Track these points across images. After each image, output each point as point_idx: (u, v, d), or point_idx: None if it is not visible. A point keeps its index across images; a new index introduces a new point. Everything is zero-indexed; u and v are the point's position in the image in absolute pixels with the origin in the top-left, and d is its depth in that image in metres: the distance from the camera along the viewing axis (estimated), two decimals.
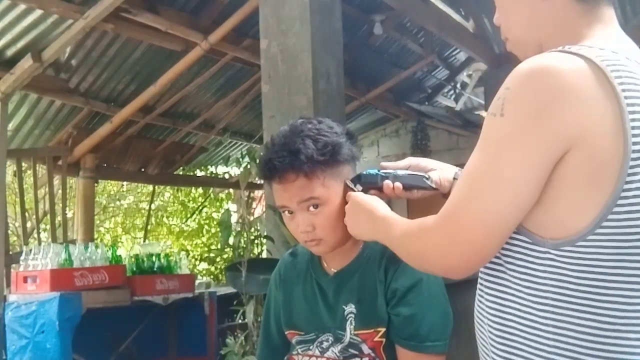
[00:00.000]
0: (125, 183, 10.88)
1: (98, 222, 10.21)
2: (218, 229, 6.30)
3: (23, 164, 5.86)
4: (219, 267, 9.43)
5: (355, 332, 1.49)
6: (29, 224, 6.95)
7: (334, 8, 3.54)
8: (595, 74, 0.95)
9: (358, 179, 1.44)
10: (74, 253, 4.08)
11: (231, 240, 3.28)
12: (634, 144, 0.93)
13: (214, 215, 10.89)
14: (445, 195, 1.40)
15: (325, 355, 1.52)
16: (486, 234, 0.98)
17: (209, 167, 9.04)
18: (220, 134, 7.29)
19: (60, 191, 6.09)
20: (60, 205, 6.08)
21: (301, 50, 3.29)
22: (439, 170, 1.44)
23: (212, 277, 9.19)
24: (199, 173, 8.69)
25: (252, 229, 3.30)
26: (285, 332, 1.64)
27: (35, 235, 5.92)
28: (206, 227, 11.01)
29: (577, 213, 0.95)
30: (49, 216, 5.86)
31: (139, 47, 5.51)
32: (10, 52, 4.88)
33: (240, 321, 3.25)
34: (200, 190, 10.65)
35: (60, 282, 3.88)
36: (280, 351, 1.67)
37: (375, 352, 1.48)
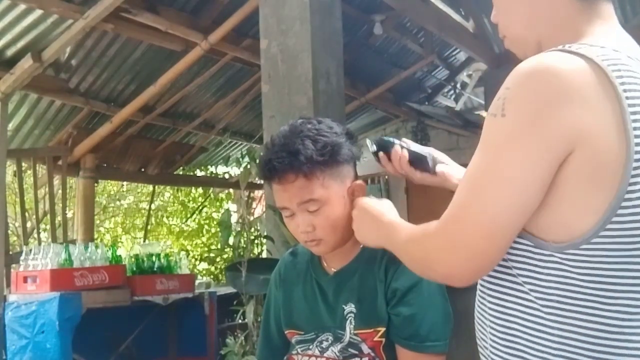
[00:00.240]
0: (125, 183, 10.88)
1: (98, 222, 10.21)
2: (218, 229, 6.30)
3: (23, 164, 5.86)
4: (219, 267, 9.43)
5: (355, 332, 1.49)
6: (29, 224, 6.95)
7: (334, 8, 3.54)
8: (596, 73, 0.93)
9: (376, 140, 1.48)
10: (74, 253, 4.08)
11: (231, 240, 3.28)
12: (637, 144, 0.91)
13: (214, 215, 10.89)
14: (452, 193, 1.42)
15: (325, 354, 1.52)
16: (488, 238, 0.95)
17: (209, 167, 9.04)
18: (220, 134, 7.29)
19: (60, 191, 6.09)
20: (60, 205, 6.08)
21: (301, 50, 3.29)
22: (450, 167, 1.45)
23: (212, 277, 9.19)
24: (199, 173, 8.69)
25: (252, 229, 3.30)
26: (285, 332, 1.64)
27: (35, 235, 5.92)
28: (206, 227, 11.01)
29: (581, 215, 0.93)
30: (49, 216, 5.86)
31: (139, 47, 5.51)
32: (10, 52, 4.88)
33: (240, 321, 3.25)
34: (200, 190, 10.65)
35: (60, 282, 3.88)
36: (280, 351, 1.67)
37: (374, 351, 1.48)
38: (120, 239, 11.64)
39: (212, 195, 10.60)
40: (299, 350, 1.58)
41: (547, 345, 0.97)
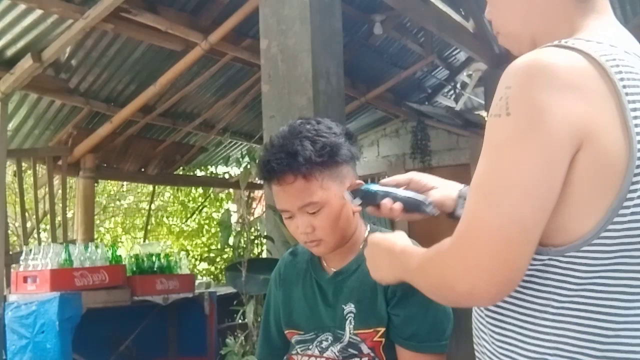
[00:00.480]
0: (125, 183, 10.88)
1: (98, 222, 10.21)
2: (218, 229, 6.30)
3: (23, 164, 5.86)
4: (219, 267, 9.43)
5: (355, 332, 1.49)
6: (29, 224, 6.94)
7: (334, 8, 3.54)
8: (595, 69, 0.90)
9: (357, 193, 1.37)
10: (74, 253, 4.08)
11: (231, 240, 3.28)
12: (639, 142, 0.89)
13: (214, 215, 10.89)
14: (450, 215, 1.35)
15: (325, 354, 1.52)
16: (510, 244, 0.88)
17: (209, 167, 9.04)
18: (220, 134, 7.29)
19: (60, 191, 6.09)
20: (60, 205, 6.09)
21: (301, 50, 3.29)
22: (441, 189, 1.37)
23: (212, 277, 9.19)
24: (199, 173, 8.68)
25: (252, 229, 3.30)
26: (285, 332, 1.64)
27: (35, 235, 5.91)
28: (206, 227, 11.02)
29: (581, 218, 0.90)
30: (49, 216, 5.86)
31: (139, 47, 5.51)
32: (10, 52, 4.88)
33: (240, 321, 3.25)
34: (200, 190, 10.65)
35: (60, 282, 3.88)
36: (280, 351, 1.67)
37: (374, 351, 1.48)
38: (120, 239, 11.64)
39: (212, 195, 10.60)
40: (298, 350, 1.58)
41: (542, 352, 0.95)
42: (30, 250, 4.11)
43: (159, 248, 5.08)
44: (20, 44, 4.78)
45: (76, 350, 3.92)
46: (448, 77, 8.67)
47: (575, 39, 0.96)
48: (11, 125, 5.64)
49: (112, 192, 11.63)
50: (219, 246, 8.27)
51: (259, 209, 8.01)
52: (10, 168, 6.54)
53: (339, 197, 1.46)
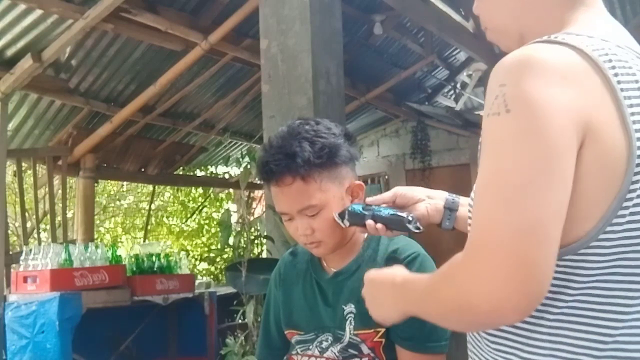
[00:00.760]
0: (125, 183, 10.88)
1: (98, 222, 10.21)
2: (218, 229, 6.30)
3: (23, 164, 5.86)
4: (219, 267, 9.43)
5: (355, 332, 1.49)
6: (29, 224, 6.95)
7: (334, 8, 3.54)
8: (588, 63, 0.87)
9: (344, 215, 1.40)
10: (74, 253, 4.08)
11: (231, 240, 3.28)
12: (638, 139, 0.86)
13: (214, 215, 10.89)
14: (439, 226, 1.34)
15: (325, 355, 1.52)
16: (534, 246, 0.80)
17: (209, 167, 9.04)
18: (220, 134, 7.29)
19: (60, 191, 6.09)
20: (60, 205, 6.09)
21: (301, 50, 3.29)
22: (427, 201, 1.35)
23: (212, 277, 9.19)
24: (199, 173, 8.69)
25: (252, 229, 3.31)
26: (285, 332, 1.64)
27: (35, 235, 5.91)
28: (206, 227, 11.02)
29: (583, 218, 0.86)
30: (49, 216, 5.86)
31: (139, 47, 5.51)
32: (10, 52, 4.88)
33: (240, 321, 3.25)
34: (200, 190, 10.65)
35: (60, 282, 3.88)
36: (280, 351, 1.67)
37: (374, 352, 1.48)
38: (120, 239, 11.64)
39: (212, 195, 10.60)
40: (298, 350, 1.58)
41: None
42: (30, 250, 4.11)
43: (159, 248, 5.08)
44: (20, 44, 4.78)
45: (76, 350, 3.92)
46: (448, 77, 8.67)
47: (565, 33, 0.92)
48: (11, 125, 5.64)
49: (112, 192, 11.63)
50: (219, 246, 8.27)
51: (259, 209, 8.00)
52: (10, 168, 6.54)
53: (338, 198, 1.46)
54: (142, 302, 4.44)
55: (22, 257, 4.12)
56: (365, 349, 1.48)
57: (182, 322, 5.04)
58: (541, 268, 0.80)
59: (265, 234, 3.30)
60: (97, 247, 4.34)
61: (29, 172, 6.27)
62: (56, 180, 6.00)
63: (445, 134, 8.40)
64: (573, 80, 0.85)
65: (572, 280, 0.88)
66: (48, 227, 6.18)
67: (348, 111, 6.90)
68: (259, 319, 2.27)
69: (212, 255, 9.68)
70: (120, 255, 4.61)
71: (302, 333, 1.58)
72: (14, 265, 4.59)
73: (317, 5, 3.35)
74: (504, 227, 0.81)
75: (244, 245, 3.24)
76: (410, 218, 1.31)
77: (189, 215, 10.96)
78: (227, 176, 9.30)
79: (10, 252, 5.29)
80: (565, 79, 0.85)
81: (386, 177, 8.69)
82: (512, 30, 1.04)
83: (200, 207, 10.78)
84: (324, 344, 1.53)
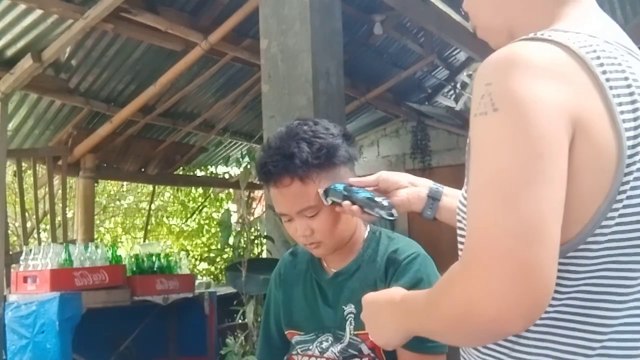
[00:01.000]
0: (125, 183, 10.88)
1: (98, 222, 10.21)
2: (218, 229, 6.30)
3: (23, 164, 5.86)
4: (219, 267, 9.43)
5: (355, 333, 1.49)
6: (29, 224, 6.95)
7: (334, 8, 3.55)
8: (575, 60, 0.84)
9: (327, 192, 1.39)
10: (74, 253, 4.08)
11: (231, 240, 3.29)
12: (628, 138, 0.82)
13: (214, 215, 10.89)
14: (420, 214, 1.33)
15: (325, 355, 1.52)
16: (536, 247, 0.76)
17: (209, 167, 9.04)
18: (220, 134, 7.29)
19: (60, 191, 6.09)
20: (60, 205, 6.09)
21: (301, 50, 3.29)
22: (409, 188, 1.34)
23: (212, 277, 9.19)
24: (199, 173, 8.69)
25: (252, 229, 3.31)
26: (285, 332, 1.64)
27: (35, 235, 5.91)
28: (206, 227, 11.02)
29: (573, 218, 0.82)
30: (49, 216, 5.86)
31: (139, 47, 5.51)
32: (10, 52, 4.88)
33: (240, 321, 3.26)
34: (200, 190, 10.65)
35: (60, 282, 3.88)
36: (280, 351, 1.67)
37: (374, 352, 1.48)
38: (120, 239, 11.64)
39: (212, 195, 10.60)
40: (298, 350, 1.58)
41: None
42: (30, 250, 4.11)
43: (159, 248, 5.08)
44: (20, 44, 4.78)
45: (76, 350, 3.92)
46: (448, 77, 8.68)
47: (551, 30, 0.90)
48: (11, 125, 5.64)
49: (112, 192, 11.63)
50: (219, 246, 8.27)
51: (259, 209, 8.00)
52: (10, 168, 6.53)
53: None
54: (142, 302, 4.44)
55: (22, 257, 4.12)
56: (365, 349, 1.48)
57: (182, 322, 5.04)
58: (544, 270, 0.76)
59: (265, 234, 3.30)
60: (97, 247, 4.34)
61: (29, 172, 6.27)
62: (56, 180, 6.00)
63: (445, 134, 8.40)
64: (560, 77, 0.83)
65: (559, 284, 0.83)
66: (48, 227, 6.18)
67: (348, 111, 6.90)
68: (259, 319, 2.27)
69: (212, 255, 9.68)
70: (120, 255, 4.61)
71: (302, 333, 1.58)
72: (14, 265, 4.59)
73: (317, 5, 3.35)
74: (501, 230, 0.77)
75: (244, 245, 3.24)
76: (385, 203, 1.30)
77: (189, 215, 10.96)
78: (227, 176, 9.30)
79: (10, 252, 5.29)
80: (551, 75, 0.82)
81: None
82: (500, 27, 1.01)
83: (200, 207, 10.78)
84: (324, 344, 1.53)
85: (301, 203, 1.44)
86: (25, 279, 3.97)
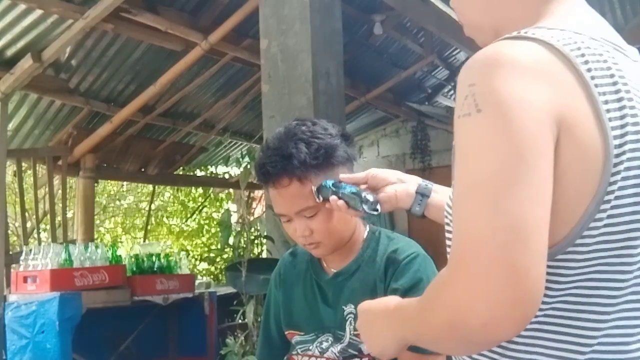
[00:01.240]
0: (125, 183, 10.89)
1: (98, 222, 10.21)
2: (218, 229, 6.31)
3: (23, 164, 5.86)
4: (219, 267, 9.43)
5: (355, 333, 1.49)
6: (29, 224, 6.95)
7: (334, 8, 3.55)
8: (558, 59, 0.82)
9: (318, 190, 1.40)
10: (74, 253, 4.08)
11: (231, 240, 3.29)
12: (615, 137, 0.80)
13: (214, 215, 10.89)
14: (408, 211, 1.32)
15: (325, 355, 1.52)
16: (519, 249, 0.74)
17: (209, 167, 9.04)
18: (220, 134, 7.29)
19: (60, 191, 6.09)
20: (60, 205, 6.09)
21: (301, 50, 3.29)
22: (397, 184, 1.33)
23: (212, 277, 9.19)
24: (199, 173, 8.69)
25: (252, 229, 3.31)
26: (285, 332, 1.64)
27: (35, 235, 5.92)
28: (206, 227, 11.02)
29: (559, 222, 0.79)
30: (49, 216, 5.86)
31: (139, 47, 5.51)
32: (10, 52, 4.88)
33: (240, 321, 3.26)
34: (200, 190, 10.65)
35: (60, 282, 3.88)
36: (280, 351, 1.67)
37: None
38: (120, 239, 11.64)
39: (212, 195, 10.60)
40: (299, 350, 1.58)
41: None
42: (30, 250, 4.11)
43: (159, 248, 5.08)
44: (20, 44, 4.79)
45: (76, 350, 3.92)
46: (448, 77, 8.67)
47: (536, 27, 0.88)
48: (11, 125, 5.64)
49: (112, 192, 11.63)
50: (219, 246, 8.27)
51: (259, 209, 8.00)
52: (10, 168, 6.53)
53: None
54: (142, 302, 4.44)
55: (22, 257, 4.12)
56: (365, 349, 1.48)
57: (182, 322, 5.04)
58: (532, 273, 0.74)
59: (265, 234, 3.31)
60: (97, 247, 4.34)
61: (29, 172, 6.27)
62: (56, 180, 6.00)
63: (445, 134, 8.40)
64: (543, 76, 0.80)
65: (549, 287, 0.81)
66: (48, 227, 6.18)
67: (348, 111, 6.90)
68: (259, 319, 2.27)
69: (212, 255, 9.68)
70: (120, 255, 4.61)
71: (303, 333, 1.58)
72: (14, 265, 4.59)
73: (317, 5, 3.35)
74: (486, 233, 0.75)
75: (244, 245, 3.24)
76: (370, 198, 1.30)
77: (189, 215, 10.96)
78: (227, 176, 9.30)
79: (10, 252, 5.29)
80: (535, 75, 0.80)
81: None
82: (485, 24, 1.00)
83: (200, 207, 10.78)
84: (324, 345, 1.53)
85: (300, 203, 1.44)
86: (25, 279, 3.97)
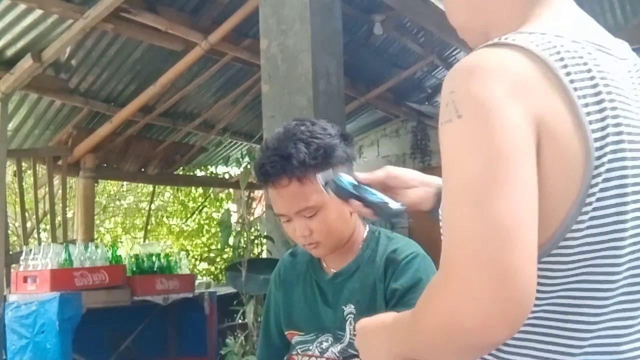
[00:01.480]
0: (125, 183, 10.89)
1: (98, 222, 10.21)
2: (218, 229, 6.30)
3: (23, 164, 5.86)
4: (219, 267, 9.43)
5: (355, 333, 1.49)
6: (29, 224, 6.95)
7: (334, 8, 3.55)
8: (537, 64, 0.82)
9: (329, 183, 1.26)
10: (74, 253, 4.08)
11: (231, 240, 3.29)
12: (595, 140, 0.81)
13: (214, 215, 10.89)
14: (428, 213, 1.26)
15: (325, 355, 1.52)
16: (508, 251, 0.74)
17: (209, 167, 9.04)
18: (220, 134, 7.29)
19: (60, 191, 6.09)
20: (60, 205, 6.09)
21: (301, 50, 3.29)
22: (420, 188, 1.27)
23: (212, 277, 9.19)
24: (199, 173, 8.69)
25: (252, 229, 3.31)
26: (285, 332, 1.64)
27: (35, 235, 5.92)
28: (206, 227, 11.02)
29: (543, 224, 0.79)
30: (49, 216, 5.86)
31: (139, 47, 5.51)
32: (10, 52, 4.88)
33: (240, 321, 3.26)
34: (200, 190, 10.65)
35: (60, 282, 3.88)
36: (280, 351, 1.67)
37: None
38: (120, 239, 11.64)
39: (212, 195, 10.60)
40: (299, 350, 1.58)
41: None
42: (30, 250, 4.12)
43: (159, 248, 5.09)
44: (20, 44, 4.79)
45: (76, 350, 3.92)
46: None
47: (517, 33, 0.88)
48: (11, 125, 5.64)
49: (112, 192, 11.63)
50: (219, 246, 8.28)
51: (259, 209, 8.00)
52: (10, 168, 6.53)
53: (335, 199, 1.46)
54: (142, 302, 4.44)
55: (22, 257, 4.12)
56: None
57: (182, 322, 5.05)
58: (522, 273, 0.74)
59: (265, 234, 3.31)
60: (97, 247, 4.34)
61: (29, 172, 6.27)
62: (56, 180, 6.00)
63: None
64: (521, 81, 0.81)
65: (537, 290, 0.79)
66: (48, 227, 6.18)
67: (348, 111, 6.90)
68: (259, 319, 2.27)
69: (212, 255, 9.68)
70: (120, 255, 4.62)
71: (302, 334, 1.58)
72: (14, 265, 4.60)
73: (317, 5, 3.35)
74: (473, 236, 0.75)
75: (244, 245, 3.25)
76: (399, 211, 1.20)
77: (189, 215, 10.96)
78: (227, 176, 9.30)
79: (10, 252, 5.29)
80: (512, 79, 0.81)
81: None
82: (475, 26, 1.01)
83: (200, 207, 10.78)
84: (324, 345, 1.53)
85: (299, 204, 1.44)
86: (25, 279, 3.97)
